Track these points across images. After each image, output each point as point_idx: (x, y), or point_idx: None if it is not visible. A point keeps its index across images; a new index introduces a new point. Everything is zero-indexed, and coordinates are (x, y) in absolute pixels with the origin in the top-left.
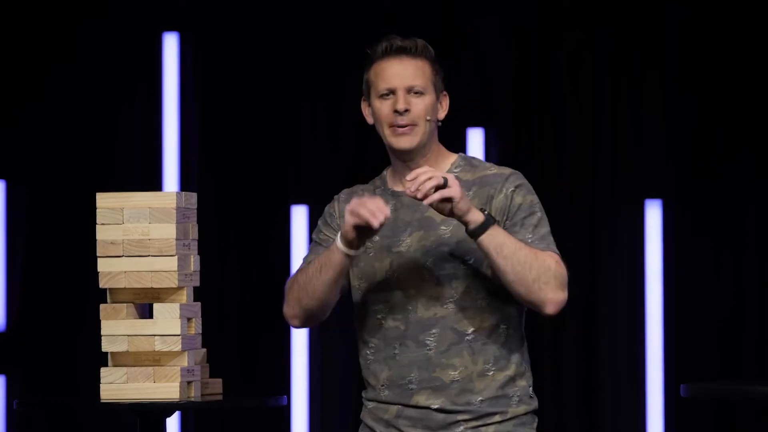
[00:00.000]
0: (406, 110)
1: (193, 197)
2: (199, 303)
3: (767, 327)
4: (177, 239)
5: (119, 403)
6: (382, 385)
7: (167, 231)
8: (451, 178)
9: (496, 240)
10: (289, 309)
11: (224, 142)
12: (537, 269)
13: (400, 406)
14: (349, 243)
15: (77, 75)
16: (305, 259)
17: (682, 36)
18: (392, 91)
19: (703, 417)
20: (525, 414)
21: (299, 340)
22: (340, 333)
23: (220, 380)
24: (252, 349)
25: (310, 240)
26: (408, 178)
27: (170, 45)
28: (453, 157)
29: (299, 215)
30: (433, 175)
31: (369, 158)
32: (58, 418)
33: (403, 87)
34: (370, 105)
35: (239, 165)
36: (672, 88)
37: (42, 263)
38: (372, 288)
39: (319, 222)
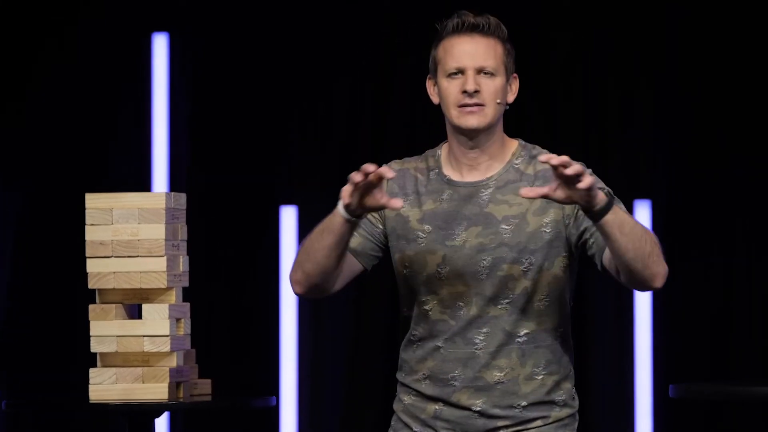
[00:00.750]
0: (476, 91)
1: (182, 198)
2: (188, 304)
3: (755, 327)
4: (166, 240)
5: (108, 404)
6: (424, 375)
7: (156, 232)
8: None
9: (618, 218)
10: (293, 273)
11: (214, 142)
12: (650, 242)
13: (437, 407)
14: (350, 210)
15: (67, 76)
16: None
17: (673, 37)
18: (462, 71)
19: (692, 417)
20: (567, 417)
21: (288, 340)
22: (330, 333)
23: (209, 381)
24: (241, 350)
25: None
26: (545, 159)
27: (160, 46)
28: (513, 145)
29: (288, 216)
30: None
31: (358, 159)
32: (46, 418)
33: (474, 67)
34: (436, 84)
35: (228, 165)
36: (662, 89)
37: (31, 263)
38: (421, 279)
39: None
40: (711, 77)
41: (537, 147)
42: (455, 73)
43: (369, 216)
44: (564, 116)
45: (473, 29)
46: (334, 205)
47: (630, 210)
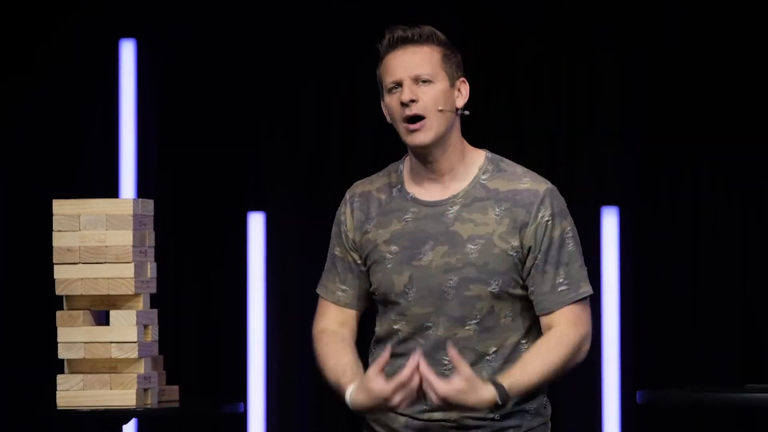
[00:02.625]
0: (412, 101)
1: (149, 204)
2: (155, 310)
3: (723, 334)
4: (134, 246)
5: (76, 410)
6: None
7: (124, 238)
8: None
9: (523, 391)
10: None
11: (181, 149)
12: (568, 359)
13: (408, 418)
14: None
15: (34, 82)
16: (325, 268)
17: (639, 43)
18: (399, 83)
19: (660, 423)
20: (539, 425)
21: (256, 346)
22: (298, 339)
23: (176, 387)
24: (209, 356)
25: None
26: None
27: (127, 52)
28: (480, 158)
29: (256, 222)
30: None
31: (327, 166)
32: (14, 425)
33: (409, 77)
34: (386, 104)
35: (196, 172)
36: (629, 95)
37: None
38: (390, 299)
39: (333, 231)
40: (682, 84)
41: (505, 160)
42: (394, 87)
43: (342, 254)
44: (531, 123)
45: (405, 41)
46: (301, 211)
47: (597, 217)
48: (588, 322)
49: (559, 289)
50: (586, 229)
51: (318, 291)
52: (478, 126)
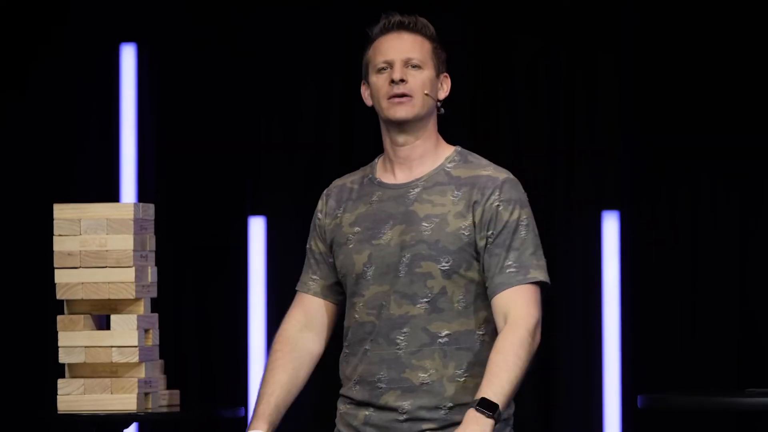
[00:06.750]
0: (402, 80)
1: (150, 208)
2: (156, 314)
3: (724, 338)
4: (134, 250)
5: (76, 415)
6: (354, 381)
7: (125, 242)
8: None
9: (502, 394)
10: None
11: (181, 153)
12: (527, 357)
13: (367, 413)
14: None
15: (34, 85)
16: (305, 262)
17: (639, 44)
18: (390, 64)
19: (660, 428)
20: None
21: (256, 351)
22: None
23: (177, 391)
24: (209, 361)
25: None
26: None
27: (128, 56)
28: (449, 150)
29: (256, 226)
30: None
31: (327, 170)
32: (15, 429)
33: (401, 59)
34: (369, 87)
35: (196, 176)
36: (629, 98)
37: None
38: (351, 281)
39: (311, 224)
40: (682, 86)
41: (474, 154)
42: (384, 68)
43: (315, 246)
44: (530, 127)
45: (400, 27)
46: (301, 215)
47: (598, 221)
48: (539, 308)
49: (507, 270)
50: (587, 234)
51: (296, 288)
52: (478, 131)
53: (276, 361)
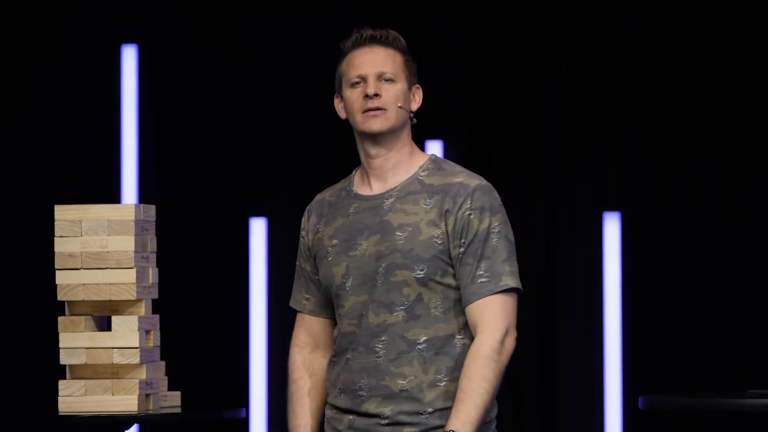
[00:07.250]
0: (376, 94)
1: (151, 209)
2: (157, 315)
3: (725, 339)
4: (135, 252)
5: (77, 416)
6: (338, 390)
7: (126, 243)
8: None
9: (475, 420)
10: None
11: (182, 154)
12: (494, 375)
13: (351, 417)
14: None
15: (35, 86)
16: (296, 278)
17: (640, 46)
18: (363, 79)
19: (662, 429)
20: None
21: (258, 352)
22: None
23: (178, 393)
24: (210, 362)
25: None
26: None
27: (129, 57)
28: (423, 159)
29: (258, 228)
30: None
31: (328, 171)
32: (16, 430)
33: (374, 73)
34: (342, 100)
35: (197, 177)
36: (629, 98)
37: (0, 275)
38: (334, 293)
39: (299, 242)
40: (683, 88)
41: (448, 161)
42: (357, 82)
43: (303, 265)
44: (530, 127)
45: (372, 41)
46: (301, 216)
47: (599, 223)
48: (509, 317)
49: (479, 281)
50: (589, 236)
51: (290, 304)
52: (478, 132)
53: (300, 390)
